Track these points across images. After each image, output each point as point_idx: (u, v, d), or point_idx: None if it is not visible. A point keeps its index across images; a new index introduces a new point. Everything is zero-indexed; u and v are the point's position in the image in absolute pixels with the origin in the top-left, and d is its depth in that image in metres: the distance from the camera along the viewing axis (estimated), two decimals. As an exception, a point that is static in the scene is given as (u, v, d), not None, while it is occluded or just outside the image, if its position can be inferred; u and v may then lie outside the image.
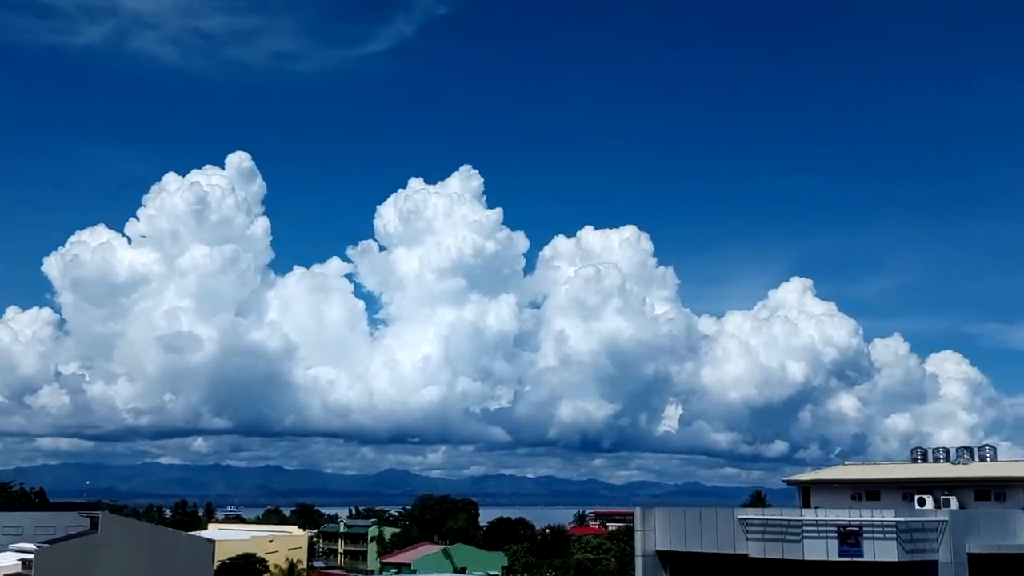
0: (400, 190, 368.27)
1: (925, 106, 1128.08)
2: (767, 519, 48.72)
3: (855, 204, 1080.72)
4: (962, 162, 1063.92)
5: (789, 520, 47.50)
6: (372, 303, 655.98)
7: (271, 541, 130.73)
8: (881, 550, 45.34)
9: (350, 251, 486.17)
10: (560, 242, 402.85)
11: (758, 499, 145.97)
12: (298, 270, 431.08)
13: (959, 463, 56.08)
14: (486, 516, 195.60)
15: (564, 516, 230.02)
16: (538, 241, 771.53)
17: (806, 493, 59.60)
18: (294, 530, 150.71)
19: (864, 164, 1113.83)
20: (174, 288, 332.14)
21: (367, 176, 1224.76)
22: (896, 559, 45.36)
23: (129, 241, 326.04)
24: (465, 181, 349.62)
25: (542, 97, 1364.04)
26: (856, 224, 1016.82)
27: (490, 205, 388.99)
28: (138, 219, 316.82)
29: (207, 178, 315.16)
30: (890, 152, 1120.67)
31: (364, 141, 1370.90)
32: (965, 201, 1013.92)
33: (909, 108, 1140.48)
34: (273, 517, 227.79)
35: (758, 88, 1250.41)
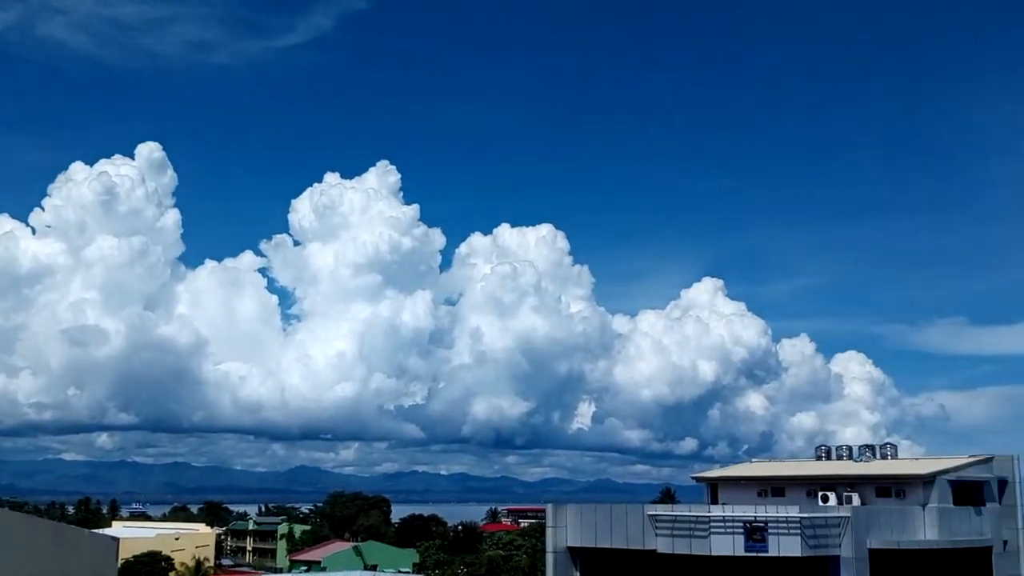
0: (316, 184, 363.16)
1: (830, 113, 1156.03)
2: (676, 515, 49.38)
3: (764, 207, 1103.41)
4: (867, 167, 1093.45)
5: (697, 516, 48.21)
6: (285, 298, 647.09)
7: (177, 539, 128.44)
8: (785, 545, 46.30)
9: (263, 245, 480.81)
10: (477, 239, 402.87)
11: (668, 496, 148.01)
12: (209, 264, 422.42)
13: (861, 461, 57.41)
14: (398, 513, 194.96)
15: (477, 513, 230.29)
16: (455, 238, 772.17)
17: (714, 490, 60.51)
18: (201, 528, 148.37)
19: (772, 168, 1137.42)
20: (80, 280, 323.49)
21: (282, 170, 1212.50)
22: (800, 554, 46.35)
23: (33, 231, 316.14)
24: (382, 177, 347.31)
25: (460, 94, 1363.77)
26: (765, 227, 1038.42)
27: (407, 201, 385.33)
28: (43, 209, 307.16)
29: (116, 168, 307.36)
30: (796, 157, 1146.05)
31: (279, 134, 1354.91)
32: (870, 206, 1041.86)
33: (815, 114, 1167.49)
34: (180, 514, 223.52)
35: (672, 92, 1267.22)
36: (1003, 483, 54.67)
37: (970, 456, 55.39)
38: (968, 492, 53.02)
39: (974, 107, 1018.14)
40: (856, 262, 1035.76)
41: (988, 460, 54.94)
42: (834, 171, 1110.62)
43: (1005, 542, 53.57)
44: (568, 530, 52.80)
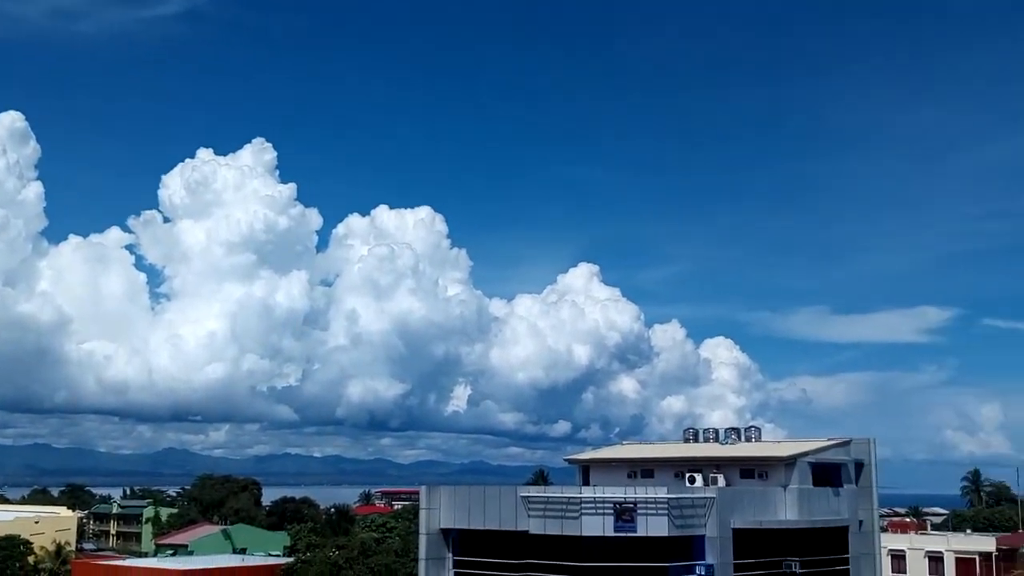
0: (188, 160, 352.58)
1: (703, 102, 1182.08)
2: (548, 497, 49.94)
3: (639, 194, 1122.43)
4: (736, 157, 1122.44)
5: (569, 498, 48.86)
6: (154, 276, 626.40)
7: (37, 522, 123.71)
8: (653, 525, 47.33)
9: (131, 221, 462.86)
10: (354, 220, 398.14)
11: (541, 478, 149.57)
12: (74, 239, 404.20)
13: (727, 443, 59.01)
14: (270, 496, 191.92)
15: (351, 495, 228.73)
16: (332, 219, 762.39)
17: (586, 472, 61.40)
18: (62, 511, 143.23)
19: (646, 156, 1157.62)
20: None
21: (152, 144, 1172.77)
22: (667, 534, 47.46)
23: None
24: (257, 154, 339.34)
25: (340, 72, 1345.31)
26: (640, 214, 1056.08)
27: (283, 180, 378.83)
28: None
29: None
30: (669, 145, 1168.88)
31: (149, 108, 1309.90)
32: (739, 195, 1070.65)
33: (688, 103, 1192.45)
34: (40, 497, 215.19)
35: (549, 76, 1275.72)
36: (860, 465, 56.96)
37: (829, 439, 57.44)
38: (827, 474, 55.05)
39: (839, 100, 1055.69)
40: (725, 250, 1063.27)
41: (846, 443, 57.13)
42: (705, 160, 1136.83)
43: (861, 521, 55.90)
44: (442, 512, 52.88)
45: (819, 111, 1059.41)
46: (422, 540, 53.37)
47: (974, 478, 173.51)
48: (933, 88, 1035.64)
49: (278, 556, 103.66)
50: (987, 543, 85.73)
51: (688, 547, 48.46)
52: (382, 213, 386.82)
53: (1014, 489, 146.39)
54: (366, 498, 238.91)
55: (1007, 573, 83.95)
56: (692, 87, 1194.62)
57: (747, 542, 49.49)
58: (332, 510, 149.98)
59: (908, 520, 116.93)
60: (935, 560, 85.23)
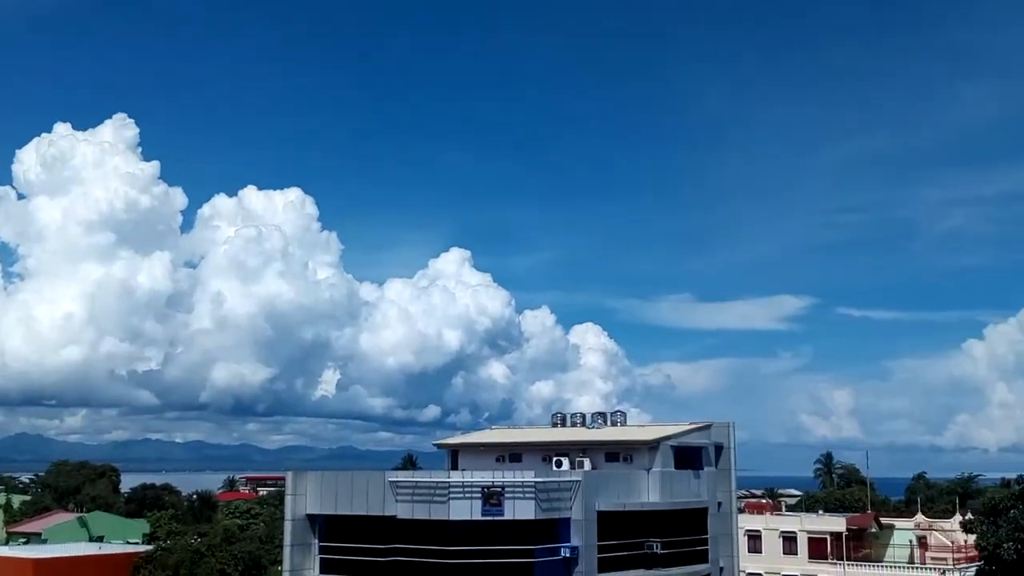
0: (44, 135, 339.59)
1: (574, 95, 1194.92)
2: (416, 481, 49.86)
3: (511, 182, 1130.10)
4: (606, 148, 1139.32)
5: (437, 482, 48.87)
6: (7, 255, 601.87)
7: None
8: (520, 509, 47.77)
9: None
10: (221, 201, 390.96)
11: (410, 462, 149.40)
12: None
13: (594, 428, 59.94)
14: (129, 482, 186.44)
15: (214, 482, 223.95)
16: (197, 199, 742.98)
17: (454, 456, 61.55)
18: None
19: (519, 145, 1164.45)
20: None
21: (5, 118, 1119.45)
22: (534, 517, 47.96)
23: None
24: (119, 130, 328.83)
25: (206, 48, 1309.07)
26: (512, 201, 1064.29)
27: (146, 158, 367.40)
28: None
29: None
30: (541, 135, 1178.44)
31: (2, 80, 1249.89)
32: (609, 185, 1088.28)
33: (559, 96, 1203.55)
34: None
35: (423, 60, 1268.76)
36: (719, 448, 58.70)
37: (691, 423, 58.95)
38: (688, 457, 56.50)
39: (708, 94, 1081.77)
40: (595, 238, 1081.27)
41: (707, 427, 58.74)
42: (576, 150, 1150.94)
43: (720, 503, 57.63)
44: (308, 497, 52.22)
45: (689, 105, 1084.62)
46: (287, 526, 52.61)
47: (827, 461, 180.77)
48: (795, 86, 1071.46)
49: (137, 544, 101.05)
50: (838, 523, 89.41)
51: (554, 530, 49.08)
52: (250, 194, 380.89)
53: (863, 471, 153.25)
54: (230, 484, 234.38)
55: (856, 552, 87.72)
56: (566, 80, 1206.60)
57: (611, 524, 50.42)
58: (194, 497, 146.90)
59: (764, 501, 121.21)
60: (789, 540, 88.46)
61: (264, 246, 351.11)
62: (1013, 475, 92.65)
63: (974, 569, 72.58)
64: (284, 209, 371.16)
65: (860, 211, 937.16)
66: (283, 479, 58.14)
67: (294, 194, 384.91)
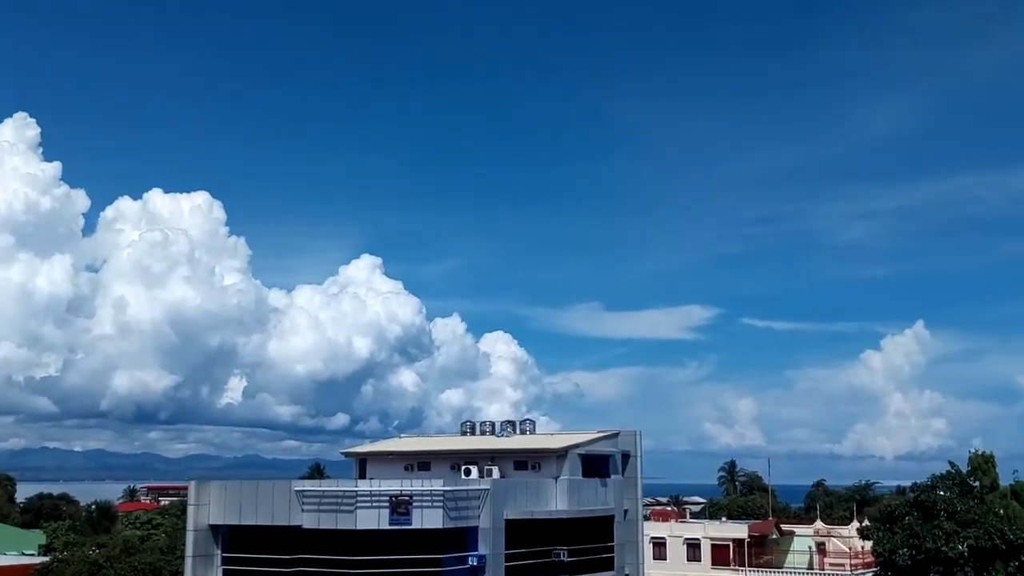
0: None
1: (485, 103, 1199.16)
2: (323, 490, 49.38)
3: (423, 188, 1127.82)
4: (514, 156, 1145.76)
5: (344, 491, 48.47)
6: None
7: None
8: (428, 518, 47.66)
9: None
10: (125, 204, 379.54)
11: (317, 471, 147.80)
12: None
13: (503, 436, 60.12)
14: (25, 492, 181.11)
15: (114, 491, 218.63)
16: (100, 201, 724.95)
17: (363, 465, 61.09)
18: None
19: (430, 151, 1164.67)
20: None
21: None
22: (441, 526, 47.90)
23: None
24: (19, 130, 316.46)
25: (113, 47, 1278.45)
26: (424, 208, 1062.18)
27: (48, 158, 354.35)
28: None
29: None
30: (453, 141, 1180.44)
31: None
32: (521, 193, 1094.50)
33: (468, 100, 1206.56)
34: None
35: (331, 64, 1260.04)
36: (626, 456, 59.41)
37: (599, 432, 59.51)
38: (596, 465, 57.05)
39: (621, 104, 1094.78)
40: (506, 247, 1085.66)
41: (614, 435, 59.38)
42: (488, 157, 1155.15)
43: (626, 511, 58.33)
44: (211, 507, 51.30)
45: (601, 115, 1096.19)
46: (189, 537, 51.57)
47: (730, 469, 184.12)
48: (705, 99, 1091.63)
49: (33, 556, 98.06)
50: (740, 530, 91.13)
51: (462, 538, 49.08)
52: (155, 197, 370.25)
53: (765, 479, 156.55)
54: (131, 494, 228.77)
55: (757, 558, 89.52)
56: (478, 85, 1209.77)
57: (519, 532, 50.63)
58: (93, 507, 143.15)
59: (669, 509, 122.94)
60: (693, 546, 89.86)
61: (169, 250, 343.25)
62: (908, 483, 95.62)
63: (870, 574, 74.68)
64: (191, 213, 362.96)
65: (765, 223, 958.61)
66: (186, 488, 57.01)
67: (201, 198, 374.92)
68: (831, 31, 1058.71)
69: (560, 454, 54.77)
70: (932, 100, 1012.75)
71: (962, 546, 63.49)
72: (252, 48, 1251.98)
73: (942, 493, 69.03)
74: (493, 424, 61.64)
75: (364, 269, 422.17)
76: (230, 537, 51.28)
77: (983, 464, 71.14)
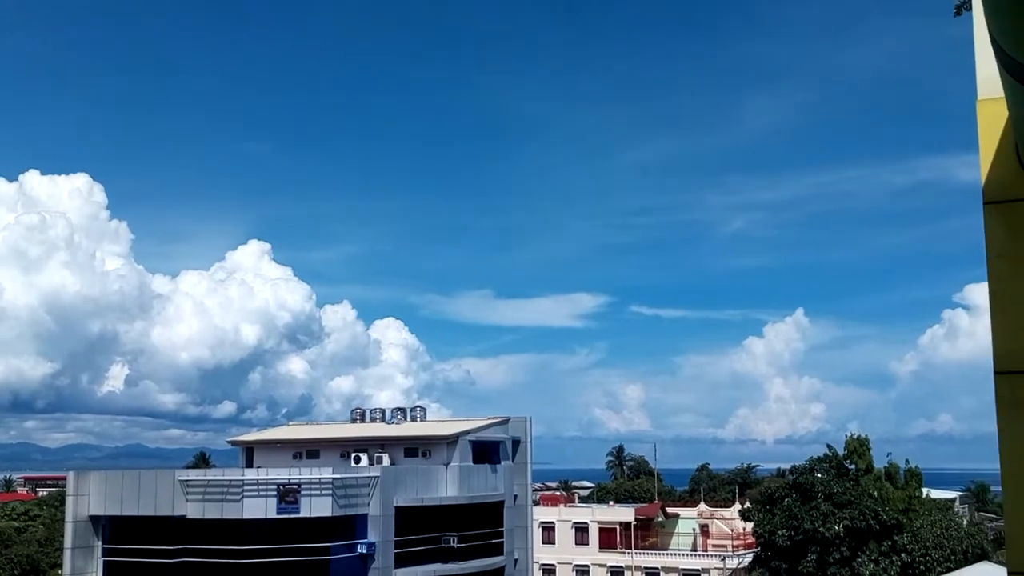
0: None
1: (378, 90, 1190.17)
2: (208, 480, 48.68)
3: (312, 175, 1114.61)
4: (408, 145, 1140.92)
5: (231, 480, 47.89)
6: None
7: None
8: (317, 506, 47.42)
9: None
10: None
11: (203, 460, 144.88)
12: None
13: (393, 423, 60.04)
14: None
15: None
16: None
17: (250, 453, 60.35)
18: None
19: (318, 138, 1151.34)
20: None
21: None
22: (331, 514, 47.71)
23: None
24: None
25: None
26: (315, 194, 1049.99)
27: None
28: None
29: None
30: (343, 130, 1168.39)
31: None
32: (412, 182, 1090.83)
33: (364, 89, 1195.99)
34: None
35: (225, 53, 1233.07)
36: (516, 442, 59.97)
37: (489, 418, 59.98)
38: (486, 451, 57.49)
39: (516, 96, 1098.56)
40: (397, 234, 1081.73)
41: (505, 422, 59.89)
42: (381, 145, 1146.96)
43: (515, 496, 58.90)
44: (91, 498, 50.07)
45: (494, 106, 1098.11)
46: (68, 528, 50.28)
47: (618, 454, 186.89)
48: (597, 92, 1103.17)
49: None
50: (627, 513, 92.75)
51: (351, 526, 48.97)
52: (32, 179, 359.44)
53: (652, 463, 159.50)
54: (7, 485, 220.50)
55: (643, 540, 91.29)
56: (371, 74, 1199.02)
57: (409, 519, 50.75)
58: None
59: (558, 493, 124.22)
60: (581, 530, 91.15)
61: (47, 234, 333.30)
62: (787, 466, 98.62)
63: (751, 554, 76.97)
64: (70, 196, 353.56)
65: (653, 213, 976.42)
66: (65, 479, 55.45)
67: (81, 180, 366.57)
68: (716, 28, 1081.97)
69: (451, 441, 54.99)
70: (810, 96, 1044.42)
71: (838, 526, 65.93)
72: (137, 32, 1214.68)
73: (819, 476, 71.48)
74: (383, 411, 61.51)
75: (252, 255, 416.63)
76: (111, 528, 50.13)
77: (858, 447, 73.83)
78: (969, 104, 5.31)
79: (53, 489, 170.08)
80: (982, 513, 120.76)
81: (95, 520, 50.06)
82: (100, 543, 50.11)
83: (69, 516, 50.38)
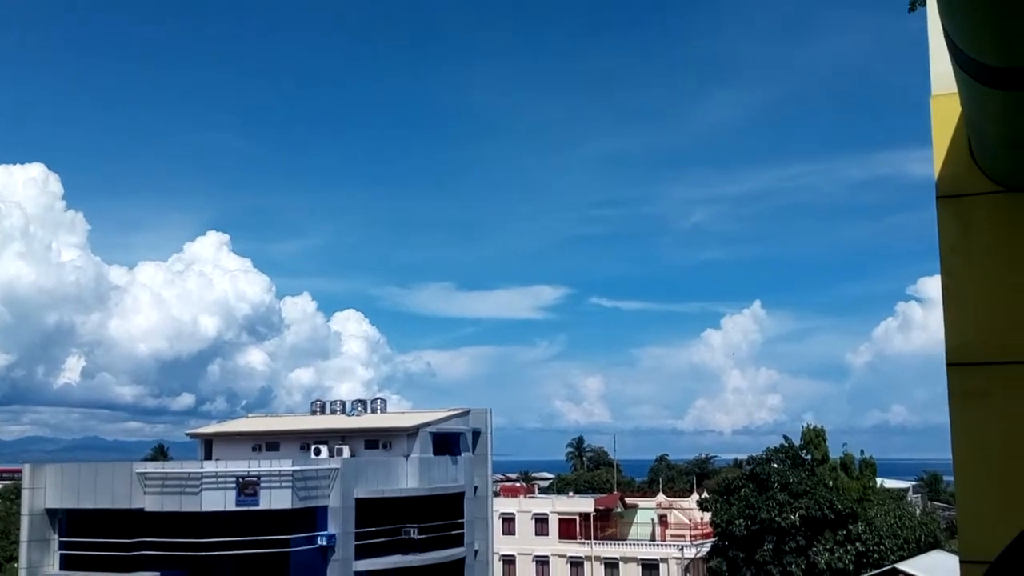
0: None
1: (343, 82, 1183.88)
2: (167, 472, 48.32)
3: (273, 166, 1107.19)
4: (370, 137, 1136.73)
5: (189, 473, 47.58)
6: None
7: None
8: (276, 498, 47.23)
9: None
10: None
11: (161, 453, 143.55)
12: None
13: (354, 415, 59.93)
14: None
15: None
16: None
17: (209, 446, 59.97)
18: None
19: (278, 128, 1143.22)
20: None
21: None
22: (291, 506, 47.54)
23: None
24: None
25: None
26: (274, 185, 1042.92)
27: None
28: None
29: None
30: (301, 121, 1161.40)
31: None
32: (373, 174, 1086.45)
33: (326, 81, 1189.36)
34: None
35: (185, 40, 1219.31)
36: (477, 434, 60.07)
37: (450, 410, 60.04)
38: (447, 443, 57.55)
39: (480, 89, 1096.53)
40: (357, 226, 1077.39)
41: (465, 413, 59.98)
42: (341, 137, 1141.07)
43: (476, 488, 59.02)
44: (47, 491, 49.52)
45: (455, 99, 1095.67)
46: (24, 521, 49.70)
47: (578, 445, 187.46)
48: (557, 85, 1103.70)
49: None
50: (587, 504, 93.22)
51: (311, 518, 48.84)
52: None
53: (611, 454, 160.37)
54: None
55: (603, 531, 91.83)
56: (332, 67, 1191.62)
57: (369, 511, 50.70)
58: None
59: (518, 485, 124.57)
60: (541, 521, 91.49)
61: (2, 224, 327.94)
62: (744, 456, 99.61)
63: (709, 544, 77.68)
64: (25, 185, 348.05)
65: (614, 206, 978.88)
66: (20, 472, 54.81)
67: (36, 170, 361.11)
68: (679, 21, 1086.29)
69: (411, 432, 54.98)
70: (771, 90, 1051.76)
71: (794, 516, 66.74)
72: (94, 18, 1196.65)
73: (776, 466, 72.29)
74: (344, 403, 61.38)
75: (211, 246, 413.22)
76: (68, 521, 49.63)
77: (814, 438, 74.77)
78: (923, 99, 5.39)
79: (9, 482, 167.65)
80: (935, 502, 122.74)
81: (51, 513, 49.52)
82: (57, 536, 49.61)
83: (25, 509, 49.82)
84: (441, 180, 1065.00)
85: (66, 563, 49.16)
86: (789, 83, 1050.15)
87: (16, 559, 52.02)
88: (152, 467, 51.20)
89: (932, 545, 64.47)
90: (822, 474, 71.11)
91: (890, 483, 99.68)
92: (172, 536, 46.68)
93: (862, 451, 77.53)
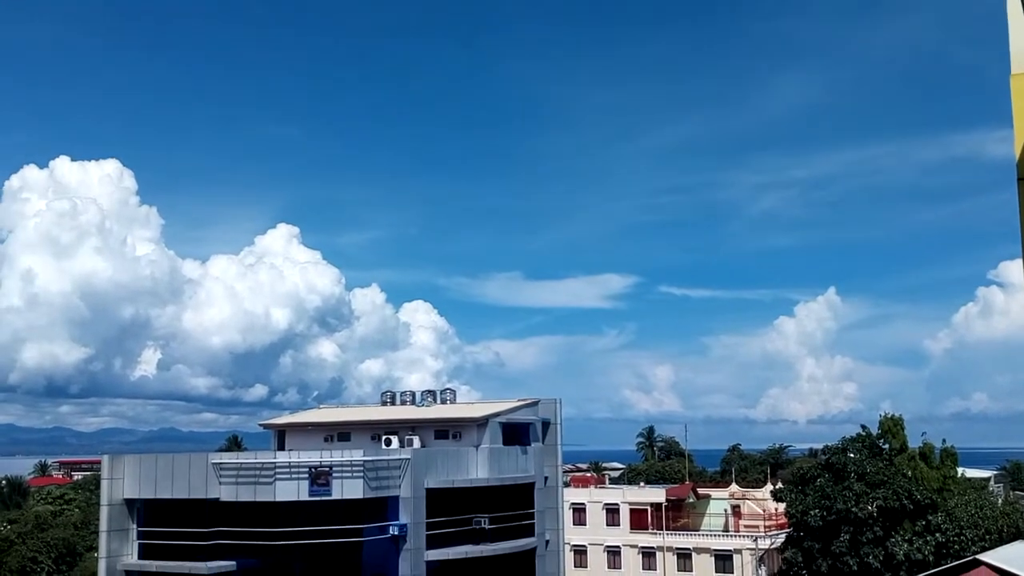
0: None
1: (405, 76, 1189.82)
2: (241, 463, 48.88)
3: (341, 158, 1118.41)
4: (436, 128, 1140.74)
5: (263, 463, 48.05)
6: None
7: None
8: (348, 488, 47.50)
9: None
10: (31, 172, 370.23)
11: (235, 443, 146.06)
12: None
13: (423, 406, 60.04)
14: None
15: (25, 467, 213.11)
16: (4, 170, 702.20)
17: (282, 436, 60.58)
18: None
19: (346, 122, 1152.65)
20: None
21: None
22: (362, 496, 47.80)
23: None
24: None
25: (13, 9, 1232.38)
26: (342, 178, 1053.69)
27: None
28: None
29: None
30: (368, 114, 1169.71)
31: None
32: (438, 164, 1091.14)
33: (392, 73, 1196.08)
34: None
35: (254, 37, 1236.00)
36: (546, 424, 59.83)
37: (519, 400, 59.83)
38: (516, 433, 57.40)
39: (544, 79, 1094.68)
40: (423, 217, 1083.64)
41: (535, 403, 59.74)
42: (407, 129, 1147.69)
43: (546, 478, 58.82)
44: (126, 481, 50.44)
45: (518, 90, 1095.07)
46: (103, 511, 50.69)
47: (648, 434, 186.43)
48: (620, 73, 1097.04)
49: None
50: (658, 494, 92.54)
51: (383, 508, 49.06)
52: (62, 165, 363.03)
53: (682, 444, 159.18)
54: (42, 469, 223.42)
55: (675, 521, 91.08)
56: (396, 56, 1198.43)
57: (440, 501, 50.77)
58: (3, 482, 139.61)
59: (589, 475, 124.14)
60: (612, 511, 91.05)
61: (79, 220, 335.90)
62: (819, 445, 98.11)
63: (784, 535, 76.55)
64: (100, 182, 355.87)
65: (680, 193, 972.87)
66: (99, 463, 55.91)
67: (111, 166, 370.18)
68: (742, 5, 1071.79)
69: (480, 423, 54.92)
70: (840, 73, 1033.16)
71: (871, 506, 65.43)
72: (164, 17, 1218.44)
73: (852, 455, 70.91)
74: (413, 394, 61.49)
75: (281, 239, 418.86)
76: (145, 511, 50.50)
77: (892, 427, 73.19)
78: (1003, 78, 5.07)
79: (88, 473, 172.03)
80: (1017, 492, 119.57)
81: (130, 503, 50.45)
82: (135, 526, 50.52)
83: (104, 499, 50.79)
84: (506, 170, 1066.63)
85: (144, 552, 50.04)
86: (859, 65, 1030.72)
87: (96, 548, 53.06)
88: (227, 458, 51.87)
89: (1014, 536, 62.67)
90: (900, 463, 69.61)
91: (971, 473, 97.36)
92: (246, 526, 47.23)
93: (943, 440, 75.74)
